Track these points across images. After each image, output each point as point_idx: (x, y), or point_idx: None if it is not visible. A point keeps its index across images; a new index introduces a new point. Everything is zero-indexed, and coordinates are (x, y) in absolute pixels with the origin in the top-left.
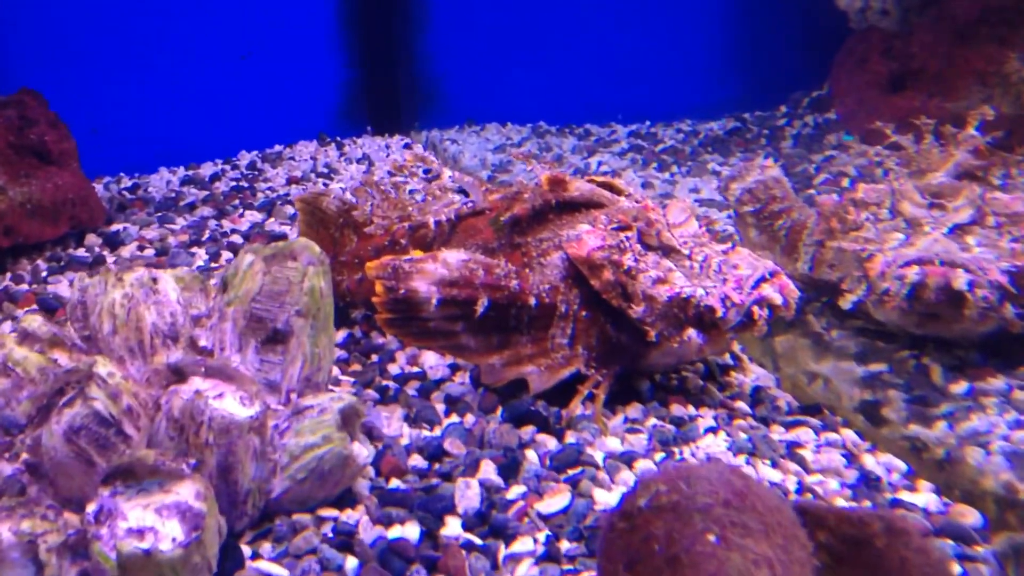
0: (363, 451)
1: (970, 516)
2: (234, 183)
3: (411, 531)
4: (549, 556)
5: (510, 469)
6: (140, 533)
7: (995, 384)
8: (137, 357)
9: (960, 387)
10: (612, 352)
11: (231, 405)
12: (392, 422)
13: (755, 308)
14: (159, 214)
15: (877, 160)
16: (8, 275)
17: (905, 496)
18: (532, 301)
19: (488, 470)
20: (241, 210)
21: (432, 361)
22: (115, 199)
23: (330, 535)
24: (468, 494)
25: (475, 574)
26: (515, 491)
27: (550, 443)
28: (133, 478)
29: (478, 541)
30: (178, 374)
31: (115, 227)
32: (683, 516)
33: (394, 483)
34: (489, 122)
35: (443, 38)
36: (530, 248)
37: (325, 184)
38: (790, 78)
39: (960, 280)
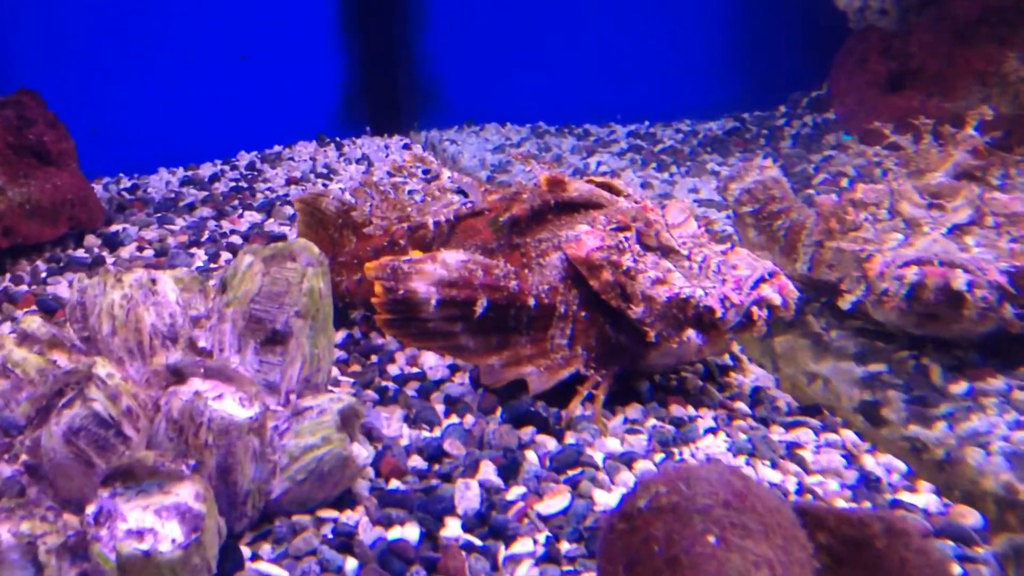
0: (363, 452)
1: (970, 517)
2: (233, 184)
3: (411, 532)
4: (549, 557)
5: (510, 470)
6: (140, 534)
7: (995, 384)
8: (136, 358)
9: (960, 387)
10: (611, 353)
11: (230, 406)
12: (392, 423)
13: (754, 309)
14: (158, 215)
15: (876, 160)
16: (7, 276)
17: (905, 497)
18: (531, 302)
19: (488, 471)
20: (240, 211)
21: (432, 362)
22: (114, 200)
23: (330, 536)
24: (468, 495)
25: (475, 575)
26: (515, 492)
27: (550, 444)
28: (133, 479)
29: (478, 542)
30: (177, 375)
31: (114, 228)
32: (683, 517)
33: (394, 484)
34: (488, 122)
35: (442, 38)
36: (529, 249)
37: (324, 185)
38: (789, 78)
39: (959, 280)
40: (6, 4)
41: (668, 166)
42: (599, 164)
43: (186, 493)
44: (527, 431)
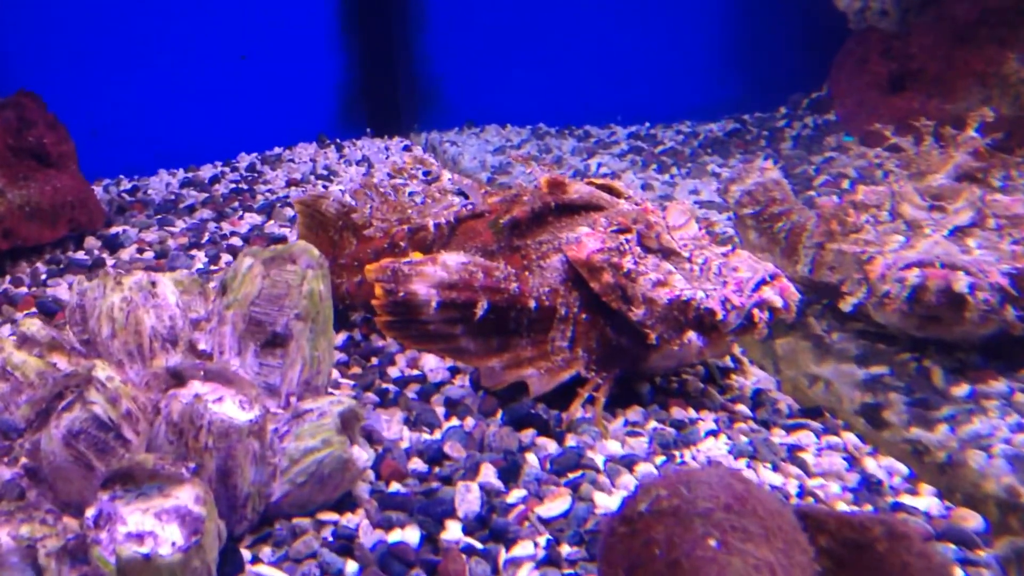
0: (363, 455)
1: (972, 520)
2: (233, 185)
3: (411, 535)
4: (550, 560)
5: (510, 472)
6: (139, 537)
7: (996, 387)
8: (136, 361)
9: (961, 390)
10: (612, 355)
11: (230, 409)
12: (392, 425)
13: (755, 311)
14: (158, 216)
15: (877, 162)
16: (7, 278)
17: (907, 500)
18: (532, 304)
19: (488, 473)
20: (240, 212)
21: (432, 364)
22: (114, 201)
23: (330, 539)
24: (468, 498)
25: None
26: (515, 495)
27: (550, 446)
28: (132, 482)
29: (478, 545)
30: (177, 378)
31: (114, 229)
32: (684, 520)
33: (394, 487)
34: (489, 124)
35: (442, 39)
36: (529, 251)
37: (324, 186)
38: (789, 79)
39: (961, 282)
40: (6, 4)
41: (669, 168)
42: (599, 166)
43: (186, 496)
44: (528, 433)
